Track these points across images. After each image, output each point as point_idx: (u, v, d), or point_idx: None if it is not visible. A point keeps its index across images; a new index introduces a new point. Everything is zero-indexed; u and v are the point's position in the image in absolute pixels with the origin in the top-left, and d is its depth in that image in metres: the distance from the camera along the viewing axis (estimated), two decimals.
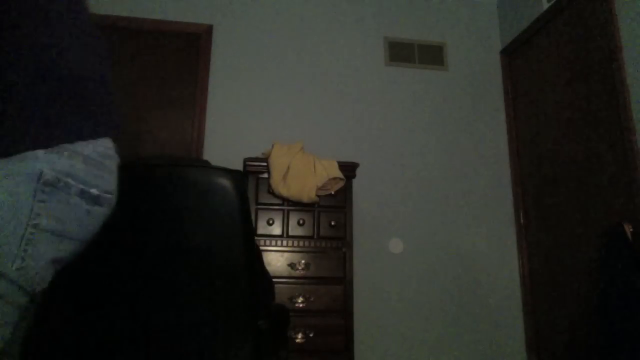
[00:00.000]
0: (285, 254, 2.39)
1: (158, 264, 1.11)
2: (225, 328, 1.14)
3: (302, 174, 2.43)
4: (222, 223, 1.13)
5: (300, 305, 2.34)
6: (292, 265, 2.37)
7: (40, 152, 0.73)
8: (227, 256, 1.14)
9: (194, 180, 1.13)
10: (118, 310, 1.10)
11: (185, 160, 1.18)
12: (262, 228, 2.41)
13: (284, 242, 2.40)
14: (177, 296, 1.11)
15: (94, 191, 0.80)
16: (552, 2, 2.66)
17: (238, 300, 1.15)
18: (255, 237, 2.36)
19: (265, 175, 2.46)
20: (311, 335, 2.31)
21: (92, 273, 1.10)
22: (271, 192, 2.43)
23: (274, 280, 2.13)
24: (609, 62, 2.23)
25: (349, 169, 2.54)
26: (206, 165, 1.17)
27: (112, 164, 0.85)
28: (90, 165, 0.79)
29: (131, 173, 1.11)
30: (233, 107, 2.92)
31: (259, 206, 2.43)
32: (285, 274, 2.36)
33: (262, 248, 2.37)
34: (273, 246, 2.39)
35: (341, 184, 2.50)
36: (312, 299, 2.36)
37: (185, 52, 2.95)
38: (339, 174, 2.47)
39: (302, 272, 2.40)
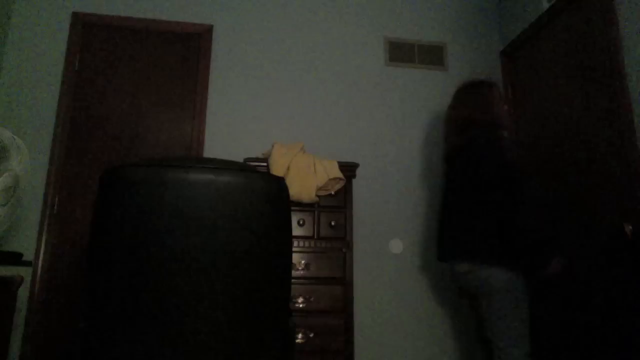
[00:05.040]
0: None
1: (197, 265, 1.11)
2: (261, 327, 1.16)
3: (302, 174, 2.43)
4: (262, 226, 1.16)
5: (300, 305, 2.34)
6: (292, 265, 2.37)
7: None
8: (267, 258, 1.17)
9: (236, 183, 1.15)
10: (154, 311, 1.09)
11: (227, 164, 1.20)
12: None
13: None
14: (215, 296, 1.12)
15: None
16: (552, 2, 2.66)
17: (274, 301, 1.18)
18: None
19: None
20: (311, 335, 2.31)
21: (129, 273, 1.10)
22: None
23: None
24: (609, 62, 2.23)
25: (349, 169, 2.54)
26: (249, 169, 1.19)
27: None
28: None
29: (174, 174, 1.11)
30: (233, 107, 2.92)
31: None
32: None
33: None
34: None
35: (341, 184, 2.50)
36: (312, 299, 2.36)
37: (185, 52, 2.95)
38: (339, 174, 2.47)
39: (302, 272, 2.40)
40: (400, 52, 3.16)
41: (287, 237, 1.22)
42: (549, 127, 2.66)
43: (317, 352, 2.31)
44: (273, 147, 2.54)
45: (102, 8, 2.92)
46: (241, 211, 1.14)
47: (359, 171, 2.90)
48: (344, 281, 2.41)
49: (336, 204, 2.51)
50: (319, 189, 2.46)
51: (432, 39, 3.23)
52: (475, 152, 1.96)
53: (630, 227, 2.01)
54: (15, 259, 1.98)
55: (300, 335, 2.30)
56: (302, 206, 2.46)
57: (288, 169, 2.45)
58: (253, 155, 2.83)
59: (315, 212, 2.48)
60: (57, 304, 2.53)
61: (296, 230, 2.44)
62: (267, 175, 1.20)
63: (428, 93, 3.13)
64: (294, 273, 2.38)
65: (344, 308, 2.38)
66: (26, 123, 2.70)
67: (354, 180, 2.85)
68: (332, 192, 2.48)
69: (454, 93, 2.27)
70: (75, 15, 2.88)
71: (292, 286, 2.35)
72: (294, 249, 2.40)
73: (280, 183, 1.20)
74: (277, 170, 2.45)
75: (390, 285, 2.79)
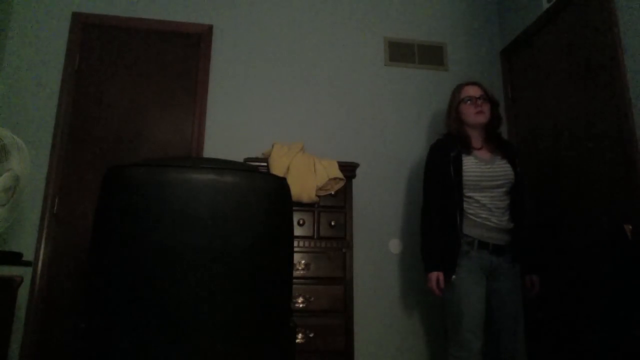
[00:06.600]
0: None
1: (198, 265, 1.11)
2: (262, 327, 1.16)
3: (302, 174, 2.43)
4: (264, 226, 1.17)
5: (300, 305, 2.34)
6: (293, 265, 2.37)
7: None
8: (268, 258, 1.18)
9: (239, 183, 1.16)
10: (154, 311, 1.09)
11: (229, 164, 1.21)
12: None
13: None
14: (217, 295, 1.12)
15: None
16: (552, 2, 2.66)
17: (275, 301, 1.19)
18: None
19: None
20: (311, 335, 2.31)
21: (130, 273, 1.10)
22: None
23: None
24: (609, 62, 2.23)
25: (349, 169, 2.54)
26: (251, 169, 1.20)
27: None
28: None
29: (176, 174, 1.12)
30: (233, 107, 2.92)
31: None
32: None
33: None
34: None
35: (341, 184, 2.50)
36: (312, 299, 2.36)
37: (185, 52, 2.95)
38: (339, 174, 2.47)
39: (302, 272, 2.40)
40: (400, 52, 3.16)
41: (289, 237, 1.22)
42: (549, 127, 2.66)
43: (317, 352, 2.31)
44: (273, 147, 2.54)
45: (102, 8, 2.92)
46: (243, 211, 1.14)
47: (359, 171, 2.90)
48: (344, 281, 2.41)
49: (336, 204, 2.51)
50: (319, 189, 2.46)
51: (432, 39, 3.23)
52: None
53: (630, 227, 2.01)
54: (15, 259, 1.98)
55: (300, 335, 2.30)
56: (302, 206, 2.46)
57: (288, 169, 2.45)
58: (253, 155, 2.83)
59: (315, 212, 2.48)
60: (57, 304, 2.53)
61: (296, 230, 2.44)
62: (269, 176, 1.20)
63: (428, 93, 3.13)
64: (294, 273, 2.38)
65: (344, 308, 2.38)
66: (26, 123, 2.70)
67: (354, 180, 2.85)
68: (332, 192, 2.48)
69: None
70: (75, 15, 2.88)
71: (292, 286, 2.35)
72: (294, 249, 2.40)
73: (282, 183, 1.21)
74: (277, 170, 2.45)
75: (390, 285, 2.79)
